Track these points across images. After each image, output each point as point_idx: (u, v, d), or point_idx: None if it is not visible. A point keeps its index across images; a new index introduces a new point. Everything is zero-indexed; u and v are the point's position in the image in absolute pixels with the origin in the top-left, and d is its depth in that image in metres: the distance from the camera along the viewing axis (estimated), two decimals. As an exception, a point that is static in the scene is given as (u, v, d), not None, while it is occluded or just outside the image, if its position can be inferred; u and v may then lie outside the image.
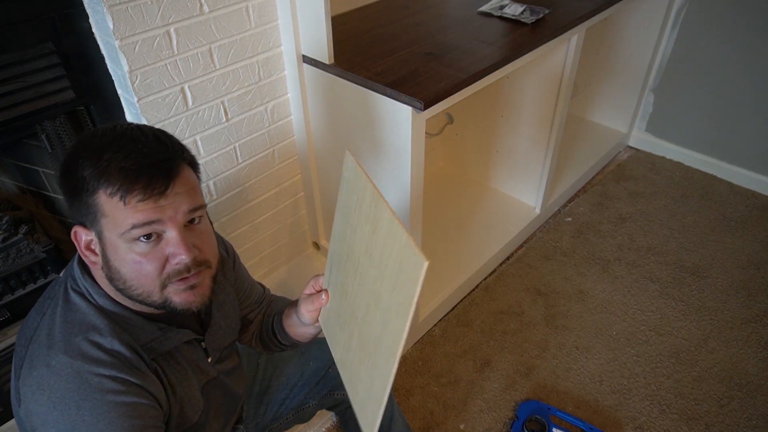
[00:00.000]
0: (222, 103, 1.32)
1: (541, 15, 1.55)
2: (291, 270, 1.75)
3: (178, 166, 0.72)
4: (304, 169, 1.61)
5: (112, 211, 0.68)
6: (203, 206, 0.75)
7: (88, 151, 0.69)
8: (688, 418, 1.49)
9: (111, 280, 0.73)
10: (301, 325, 0.97)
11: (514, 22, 1.54)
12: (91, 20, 1.10)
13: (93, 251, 0.73)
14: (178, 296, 0.74)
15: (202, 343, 0.88)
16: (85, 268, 0.77)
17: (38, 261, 1.30)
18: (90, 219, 0.71)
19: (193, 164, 0.77)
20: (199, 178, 0.78)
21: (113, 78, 1.18)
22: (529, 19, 1.53)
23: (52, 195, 1.35)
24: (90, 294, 0.75)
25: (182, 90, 1.22)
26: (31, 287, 1.31)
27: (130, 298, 0.74)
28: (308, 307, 0.92)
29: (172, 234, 0.71)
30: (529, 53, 1.44)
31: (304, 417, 1.23)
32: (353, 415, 1.13)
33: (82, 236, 0.73)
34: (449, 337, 1.71)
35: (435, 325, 1.75)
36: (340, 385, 1.18)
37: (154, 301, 0.74)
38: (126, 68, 1.10)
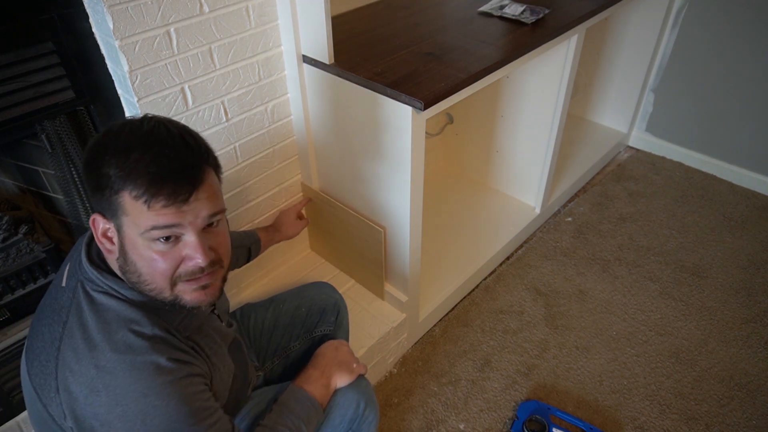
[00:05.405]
0: (222, 103, 1.32)
1: (541, 15, 1.55)
2: (290, 270, 1.75)
3: (204, 172, 0.74)
4: (304, 170, 1.61)
5: (135, 211, 0.70)
6: (223, 210, 0.78)
7: (115, 149, 0.70)
8: (688, 418, 1.49)
9: (125, 272, 0.74)
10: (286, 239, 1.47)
11: (514, 22, 1.54)
12: (91, 20, 1.10)
13: (110, 239, 0.74)
14: (189, 295, 0.76)
15: (215, 311, 0.93)
16: (99, 267, 0.77)
17: (38, 261, 1.30)
18: (111, 212, 0.72)
19: (217, 167, 0.79)
20: (220, 180, 0.80)
21: (113, 78, 1.18)
22: (529, 19, 1.53)
23: (52, 195, 1.35)
24: (115, 290, 0.76)
25: (182, 90, 1.22)
26: (31, 287, 1.31)
27: (142, 292, 0.75)
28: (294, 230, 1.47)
29: (190, 238, 0.73)
30: (529, 53, 1.44)
31: (293, 360, 1.26)
32: None
33: (100, 224, 0.74)
34: (449, 337, 1.71)
35: (435, 324, 1.75)
36: (315, 324, 1.25)
37: (165, 298, 0.75)
38: (126, 68, 1.10)
